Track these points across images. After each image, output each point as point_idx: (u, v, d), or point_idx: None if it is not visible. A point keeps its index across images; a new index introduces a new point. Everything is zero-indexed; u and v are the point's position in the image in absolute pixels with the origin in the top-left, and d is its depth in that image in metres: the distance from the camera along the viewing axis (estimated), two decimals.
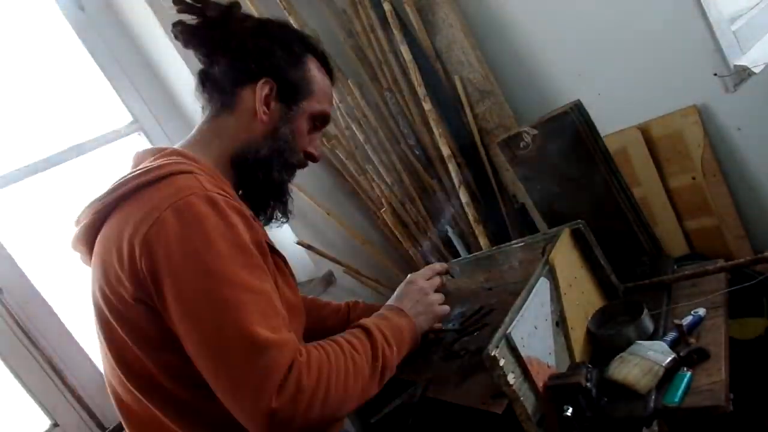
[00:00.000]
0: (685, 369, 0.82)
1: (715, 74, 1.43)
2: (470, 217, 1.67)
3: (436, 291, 1.03)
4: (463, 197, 1.66)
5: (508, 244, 1.18)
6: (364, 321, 0.90)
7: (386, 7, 1.74)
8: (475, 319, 1.14)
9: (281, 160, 0.94)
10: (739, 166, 1.50)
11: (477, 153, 1.84)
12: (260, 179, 0.93)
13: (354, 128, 1.80)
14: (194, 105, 1.79)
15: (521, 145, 1.20)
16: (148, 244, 0.74)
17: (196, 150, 0.91)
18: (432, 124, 1.70)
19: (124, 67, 1.75)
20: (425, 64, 1.82)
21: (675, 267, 1.13)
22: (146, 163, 0.85)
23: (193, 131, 0.95)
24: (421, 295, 1.00)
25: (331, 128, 1.83)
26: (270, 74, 0.92)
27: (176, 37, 0.96)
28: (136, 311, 0.77)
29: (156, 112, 1.79)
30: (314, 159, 1.00)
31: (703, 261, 1.32)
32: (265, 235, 0.89)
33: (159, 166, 0.81)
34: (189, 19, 0.95)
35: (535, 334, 0.85)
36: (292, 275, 0.96)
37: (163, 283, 0.73)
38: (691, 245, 1.62)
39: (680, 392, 0.79)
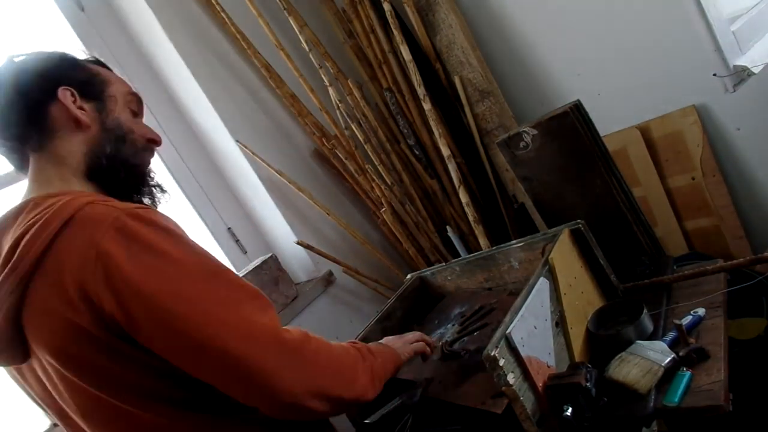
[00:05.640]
0: (684, 369, 0.82)
1: (715, 74, 1.43)
2: (470, 217, 1.67)
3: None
4: (463, 197, 1.66)
5: (508, 244, 1.18)
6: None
7: (386, 7, 1.74)
8: (475, 319, 1.14)
9: (129, 147, 0.91)
10: (739, 166, 1.50)
11: (477, 153, 1.84)
12: (123, 176, 0.90)
13: (354, 128, 1.80)
14: (194, 105, 1.80)
15: (521, 145, 1.21)
16: (103, 286, 0.70)
17: (53, 186, 0.85)
18: (432, 124, 1.70)
19: (124, 67, 1.75)
20: (425, 64, 1.82)
21: (675, 267, 1.13)
22: (23, 220, 0.78)
23: (31, 176, 0.88)
24: (396, 338, 1.04)
25: (331, 128, 1.83)
26: (60, 83, 0.87)
27: None
28: (109, 359, 0.74)
29: (156, 112, 1.79)
30: (156, 143, 0.97)
31: (703, 261, 1.32)
32: None
33: (52, 213, 0.75)
34: None
35: (534, 334, 0.85)
36: None
37: (136, 311, 0.70)
38: (691, 245, 1.62)
39: (680, 392, 0.79)
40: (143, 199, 0.95)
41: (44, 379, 0.82)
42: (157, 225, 0.76)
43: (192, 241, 0.79)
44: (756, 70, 1.44)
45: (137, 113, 0.97)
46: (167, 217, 0.80)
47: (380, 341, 1.03)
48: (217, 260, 0.79)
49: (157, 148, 0.99)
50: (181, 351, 0.73)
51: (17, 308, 0.76)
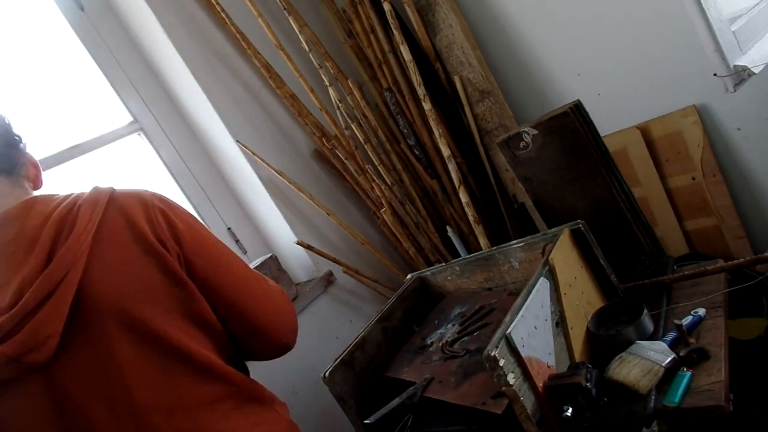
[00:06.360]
0: (685, 369, 0.82)
1: (715, 74, 1.43)
2: (470, 217, 1.67)
3: None
4: (463, 197, 1.66)
5: (508, 244, 1.18)
6: None
7: (386, 7, 1.74)
8: (475, 319, 1.14)
9: None
10: (739, 166, 1.50)
11: (477, 153, 1.84)
12: None
13: (354, 128, 1.80)
14: (195, 105, 1.80)
15: (521, 145, 1.21)
16: (168, 233, 0.86)
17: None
18: (432, 124, 1.70)
19: (124, 67, 1.75)
20: (425, 64, 1.82)
21: (675, 267, 1.13)
22: (41, 209, 0.84)
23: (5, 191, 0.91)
24: None
25: (331, 128, 1.83)
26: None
27: None
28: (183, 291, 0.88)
29: (156, 112, 1.79)
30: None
31: (703, 261, 1.32)
32: None
33: (89, 195, 0.86)
34: None
35: (535, 334, 0.85)
36: None
37: (189, 249, 0.88)
38: (691, 245, 1.62)
39: (680, 392, 0.79)
40: None
41: (84, 374, 0.79)
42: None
43: None
44: (756, 70, 1.44)
45: None
46: None
47: None
48: None
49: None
50: (223, 280, 0.91)
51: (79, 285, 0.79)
